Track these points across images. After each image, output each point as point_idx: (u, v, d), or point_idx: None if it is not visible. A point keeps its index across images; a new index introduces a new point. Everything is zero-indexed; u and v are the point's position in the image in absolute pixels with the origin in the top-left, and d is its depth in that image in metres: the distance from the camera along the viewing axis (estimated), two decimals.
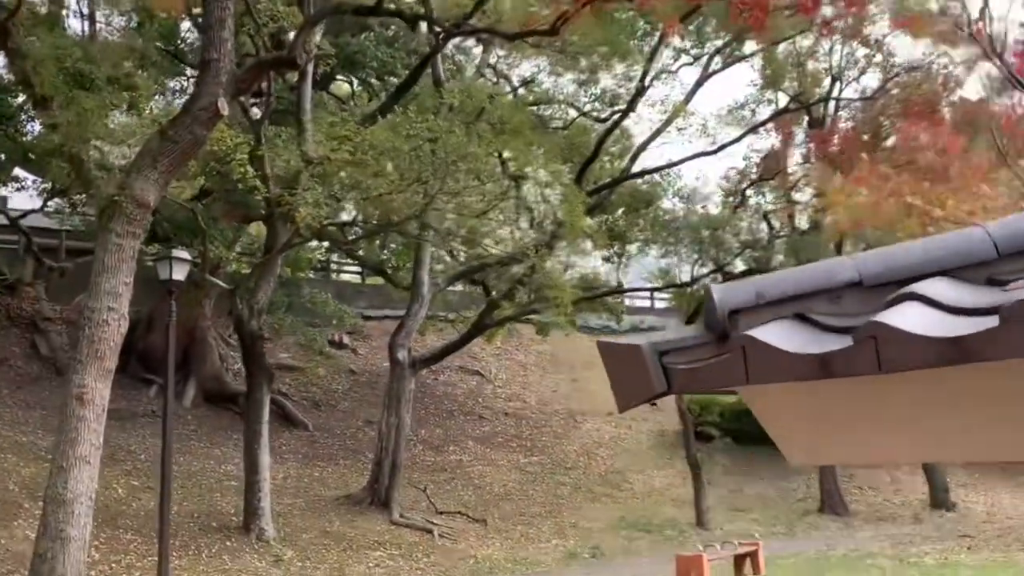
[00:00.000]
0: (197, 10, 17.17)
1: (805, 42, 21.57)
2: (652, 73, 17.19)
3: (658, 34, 17.26)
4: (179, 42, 19.89)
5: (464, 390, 26.02)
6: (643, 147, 18.41)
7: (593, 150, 16.77)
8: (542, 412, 25.61)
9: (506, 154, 12.95)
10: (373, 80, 23.04)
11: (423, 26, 20.60)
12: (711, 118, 20.41)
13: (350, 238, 15.11)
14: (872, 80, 21.07)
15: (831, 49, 21.78)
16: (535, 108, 19.92)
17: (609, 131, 17.88)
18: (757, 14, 8.66)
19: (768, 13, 9.19)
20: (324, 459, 20.80)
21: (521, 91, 20.49)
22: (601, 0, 9.62)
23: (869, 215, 9.20)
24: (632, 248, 21.77)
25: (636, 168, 18.89)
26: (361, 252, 23.44)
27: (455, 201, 12.45)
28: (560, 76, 20.65)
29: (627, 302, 25.52)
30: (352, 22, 20.07)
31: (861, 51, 21.53)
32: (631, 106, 17.58)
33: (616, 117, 17.97)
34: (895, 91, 19.11)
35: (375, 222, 12.78)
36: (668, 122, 18.22)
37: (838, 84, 21.82)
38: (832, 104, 20.52)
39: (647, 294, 33.65)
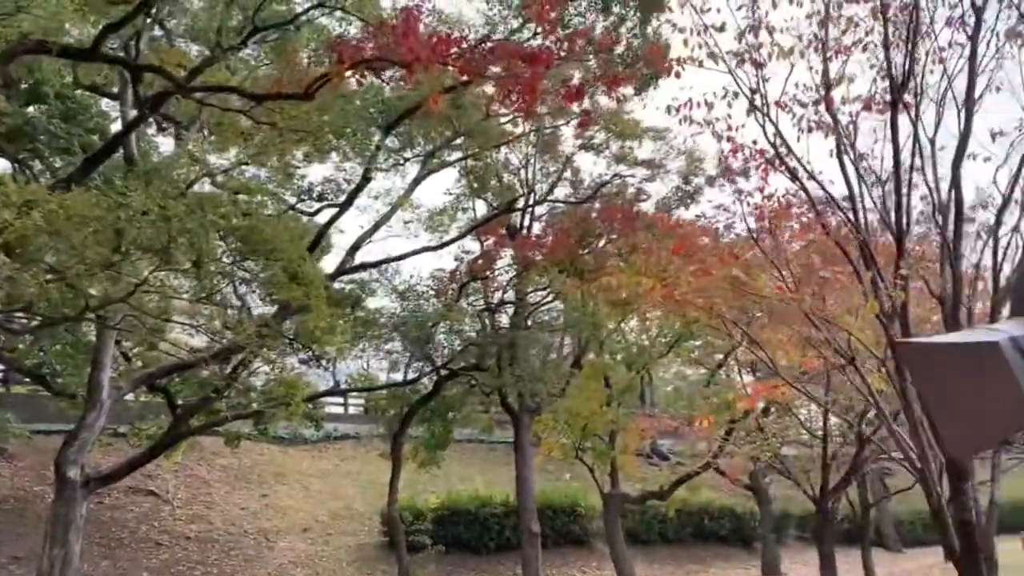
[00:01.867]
0: None
1: (500, 156, 22.71)
2: (373, 167, 16.77)
3: (377, 130, 16.99)
4: None
5: (136, 514, 22.65)
6: (363, 240, 17.74)
7: (312, 242, 15.77)
8: (230, 533, 23.00)
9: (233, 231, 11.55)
10: (35, 161, 20.13)
11: (106, 99, 18.56)
12: (434, 216, 20.59)
13: (22, 329, 12.47)
14: (562, 191, 22.59)
15: (527, 163, 23.09)
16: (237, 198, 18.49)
17: (330, 223, 17.05)
18: (527, 97, 8.63)
19: (537, 97, 9.23)
20: None
21: (220, 178, 18.97)
22: (367, 65, 9.03)
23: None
24: (332, 351, 20.72)
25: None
26: (12, 355, 19.85)
27: (163, 287, 10.77)
28: (264, 166, 19.52)
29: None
30: (22, 90, 17.46)
31: (553, 166, 23.08)
32: (351, 199, 16.95)
33: (335, 210, 17.17)
34: (588, 204, 20.60)
35: (57, 310, 10.57)
36: (387, 216, 17.85)
37: (532, 195, 23.06)
38: (540, 209, 21.63)
39: (340, 399, 32.45)
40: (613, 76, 10.65)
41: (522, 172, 23.25)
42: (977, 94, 7.83)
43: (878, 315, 7.57)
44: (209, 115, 15.37)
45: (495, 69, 8.82)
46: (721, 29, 8.22)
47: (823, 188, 8.35)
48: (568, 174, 23.38)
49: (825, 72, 8.31)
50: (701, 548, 30.15)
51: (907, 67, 7.69)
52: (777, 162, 8.23)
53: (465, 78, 9.58)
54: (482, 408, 26.05)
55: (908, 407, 7.86)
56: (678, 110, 8.35)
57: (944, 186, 8.11)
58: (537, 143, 21.96)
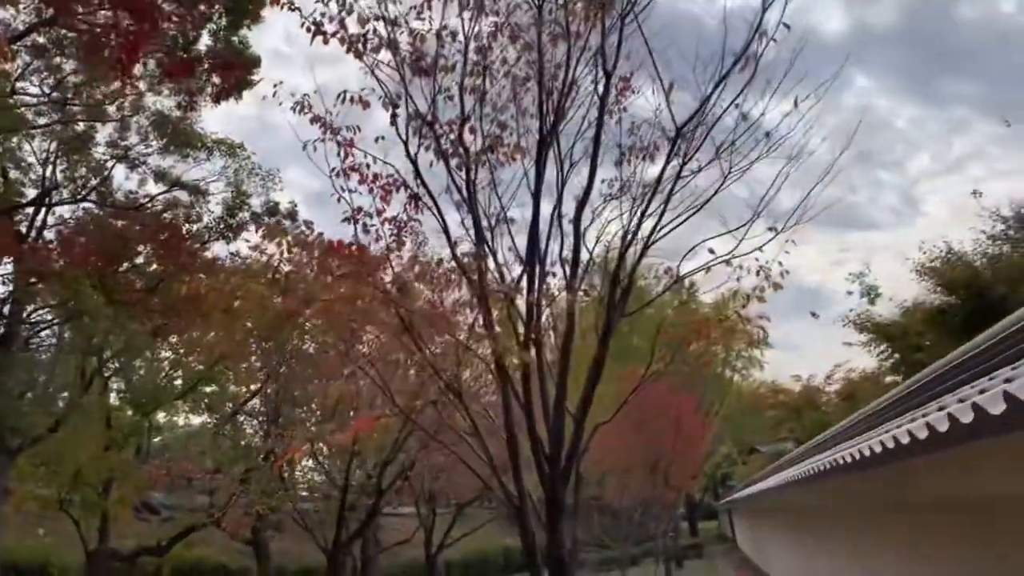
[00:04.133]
0: None
1: (12, 145, 19.26)
2: None
3: None
4: None
5: None
6: None
7: None
8: None
9: None
10: None
11: None
12: None
13: None
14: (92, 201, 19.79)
15: (47, 160, 19.94)
16: None
17: None
18: (127, 55, 7.08)
19: (138, 58, 7.65)
20: None
21: None
22: None
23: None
24: None
25: None
26: None
27: None
28: None
29: None
30: None
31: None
32: None
33: None
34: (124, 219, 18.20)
35: None
36: None
37: (49, 198, 19.86)
38: (64, 216, 18.43)
39: None
40: (225, 60, 9.46)
41: (38, 169, 19.93)
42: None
43: (490, 336, 7.62)
44: None
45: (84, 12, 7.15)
46: (394, 23, 7.80)
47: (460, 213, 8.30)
48: (96, 182, 20.60)
49: (462, 104, 8.34)
50: None
51: (557, 111, 8.07)
52: (412, 185, 7.96)
53: (51, 12, 7.59)
54: None
55: (513, 445, 7.97)
56: (304, 108, 7.63)
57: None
58: (65, 139, 19.04)
